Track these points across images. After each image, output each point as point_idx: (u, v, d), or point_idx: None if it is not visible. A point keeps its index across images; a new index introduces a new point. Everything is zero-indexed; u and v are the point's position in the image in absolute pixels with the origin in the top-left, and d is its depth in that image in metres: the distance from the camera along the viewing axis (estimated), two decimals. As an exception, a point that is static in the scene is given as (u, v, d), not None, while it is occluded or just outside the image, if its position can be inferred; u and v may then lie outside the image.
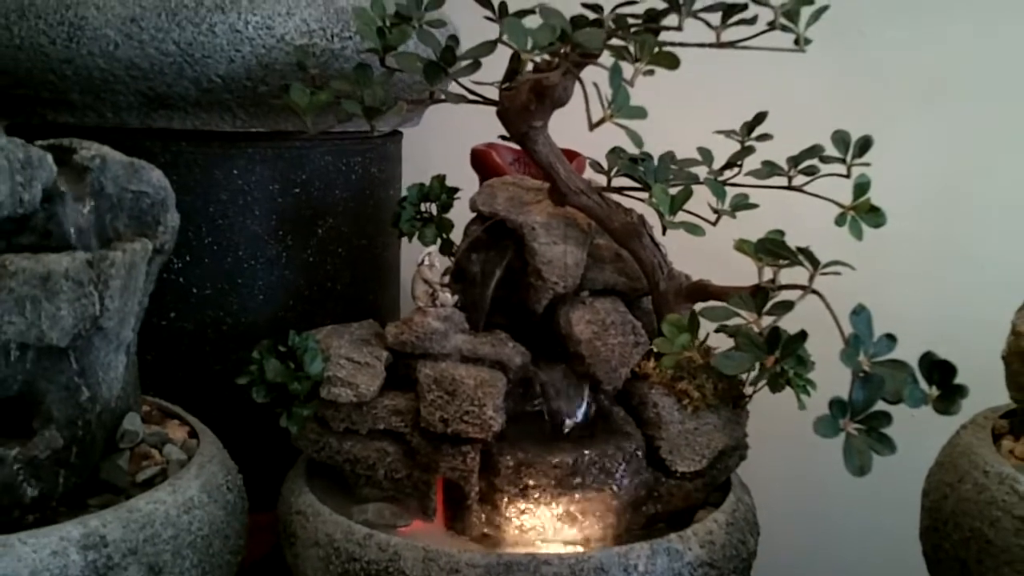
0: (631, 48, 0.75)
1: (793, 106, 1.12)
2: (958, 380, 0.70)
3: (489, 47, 0.83)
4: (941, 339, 0.89)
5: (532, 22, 0.78)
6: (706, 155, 0.93)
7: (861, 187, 0.84)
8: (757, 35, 0.81)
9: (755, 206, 0.88)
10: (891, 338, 0.71)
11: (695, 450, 0.86)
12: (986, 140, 1.30)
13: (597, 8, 0.82)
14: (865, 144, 0.88)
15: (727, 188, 0.90)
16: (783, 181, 0.90)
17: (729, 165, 0.92)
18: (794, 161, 0.90)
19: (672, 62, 0.74)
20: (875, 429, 0.68)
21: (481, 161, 1.05)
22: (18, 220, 0.83)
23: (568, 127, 0.86)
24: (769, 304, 0.75)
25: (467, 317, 0.91)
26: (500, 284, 0.93)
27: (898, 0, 1.32)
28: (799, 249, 0.77)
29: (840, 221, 0.84)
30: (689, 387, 0.87)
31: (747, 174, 0.91)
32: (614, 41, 0.75)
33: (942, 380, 0.69)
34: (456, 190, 1.00)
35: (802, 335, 0.71)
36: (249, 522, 0.91)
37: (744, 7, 0.81)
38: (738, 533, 0.85)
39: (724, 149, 0.94)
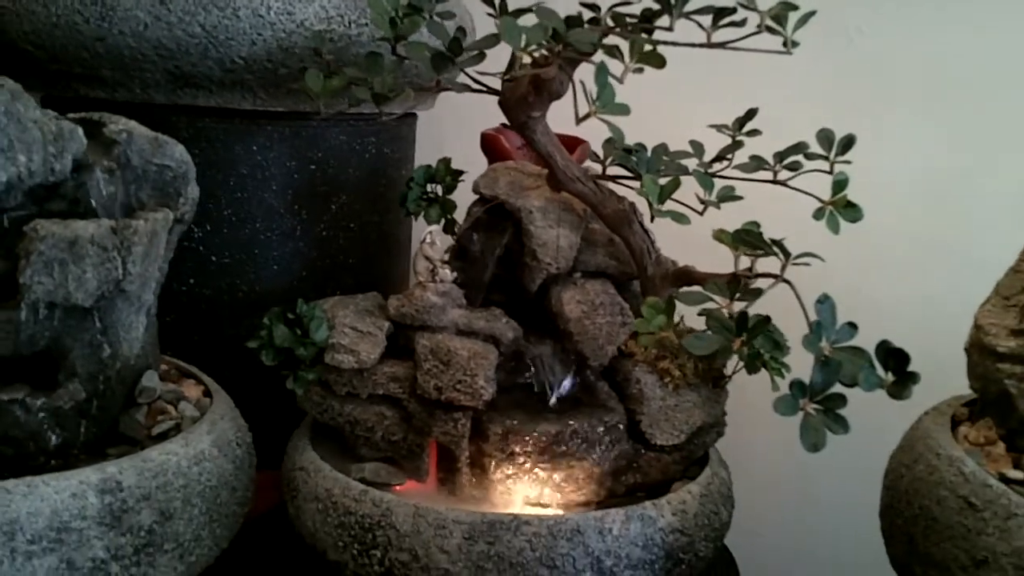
0: (621, 48, 0.80)
1: (796, 101, 1.17)
2: (930, 368, 0.76)
3: (492, 40, 0.88)
4: (925, 329, 0.95)
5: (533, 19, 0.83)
6: (697, 148, 0.98)
7: (839, 184, 0.89)
8: (747, 36, 0.86)
9: (740, 198, 0.93)
10: (852, 326, 0.76)
11: (674, 425, 0.92)
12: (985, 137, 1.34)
13: (594, 7, 0.87)
14: (848, 142, 0.93)
15: (717, 180, 0.95)
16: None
17: (719, 158, 0.97)
18: (780, 156, 0.95)
19: (659, 61, 0.79)
20: (831, 410, 0.73)
21: (490, 145, 1.10)
22: (49, 187, 0.90)
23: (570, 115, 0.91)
24: (742, 290, 0.80)
25: (467, 293, 0.96)
26: (499, 263, 0.98)
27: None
28: (773, 241, 0.82)
29: (818, 216, 0.90)
30: (671, 366, 0.92)
31: (735, 167, 0.96)
32: (607, 40, 0.79)
33: (897, 367, 0.74)
34: (461, 172, 1.05)
35: (766, 319, 0.76)
36: (257, 478, 0.97)
37: (733, 11, 0.86)
38: (711, 504, 0.91)
39: (720, 143, 1.00)
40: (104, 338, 0.89)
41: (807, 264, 0.81)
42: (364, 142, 1.17)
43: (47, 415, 0.86)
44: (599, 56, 0.82)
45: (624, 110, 0.78)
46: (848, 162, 0.93)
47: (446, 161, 1.04)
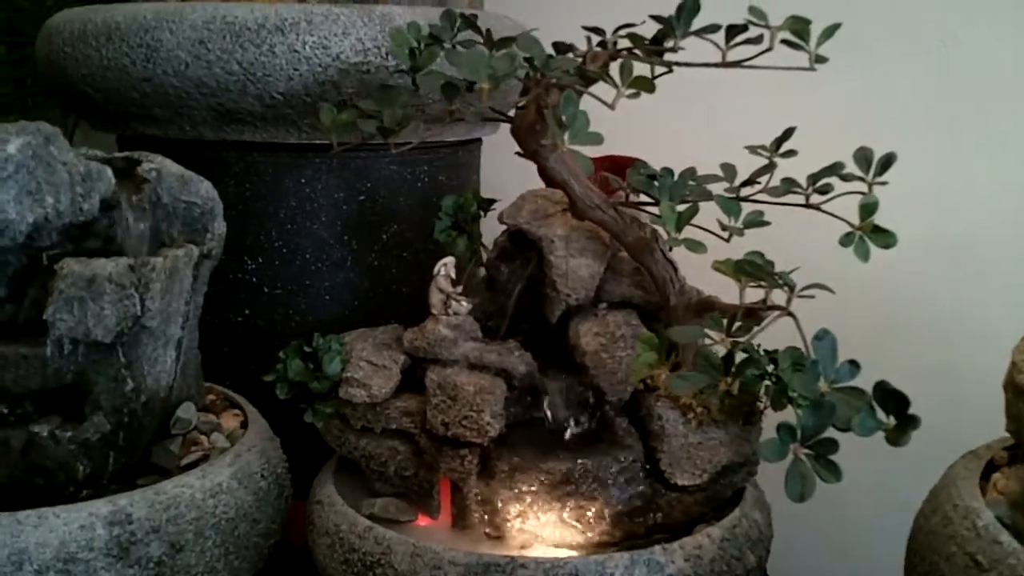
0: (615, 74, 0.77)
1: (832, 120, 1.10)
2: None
3: (508, 66, 0.87)
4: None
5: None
6: (728, 171, 0.93)
7: (867, 208, 0.83)
8: (761, 53, 0.82)
9: (767, 223, 0.88)
10: (854, 364, 0.71)
11: (696, 464, 0.87)
12: None
13: (599, 31, 0.84)
14: (887, 162, 0.87)
15: (747, 204, 0.90)
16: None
17: (749, 182, 0.92)
18: (813, 179, 0.89)
19: (648, 86, 0.76)
20: (823, 455, 0.68)
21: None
22: (82, 226, 0.93)
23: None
24: (737, 325, 0.75)
25: (491, 323, 0.95)
26: (525, 293, 0.96)
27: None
28: (777, 272, 0.77)
29: (845, 242, 0.84)
30: (694, 401, 0.88)
31: (763, 191, 0.91)
32: (592, 66, 0.76)
33: (896, 410, 0.68)
34: (493, 202, 1.04)
35: (749, 360, 0.72)
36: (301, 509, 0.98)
37: (744, 28, 0.82)
38: (733, 550, 0.86)
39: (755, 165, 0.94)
40: (128, 372, 0.91)
41: (812, 296, 0.76)
42: (416, 171, 1.17)
43: (76, 446, 0.89)
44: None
45: (597, 139, 0.74)
46: (885, 183, 0.86)
47: (475, 192, 1.02)
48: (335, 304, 1.16)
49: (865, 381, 0.72)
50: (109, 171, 0.93)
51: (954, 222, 1.26)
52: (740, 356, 0.75)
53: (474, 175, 1.29)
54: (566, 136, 0.73)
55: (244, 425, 1.02)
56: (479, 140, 1.29)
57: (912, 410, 0.69)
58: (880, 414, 0.69)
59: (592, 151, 1.05)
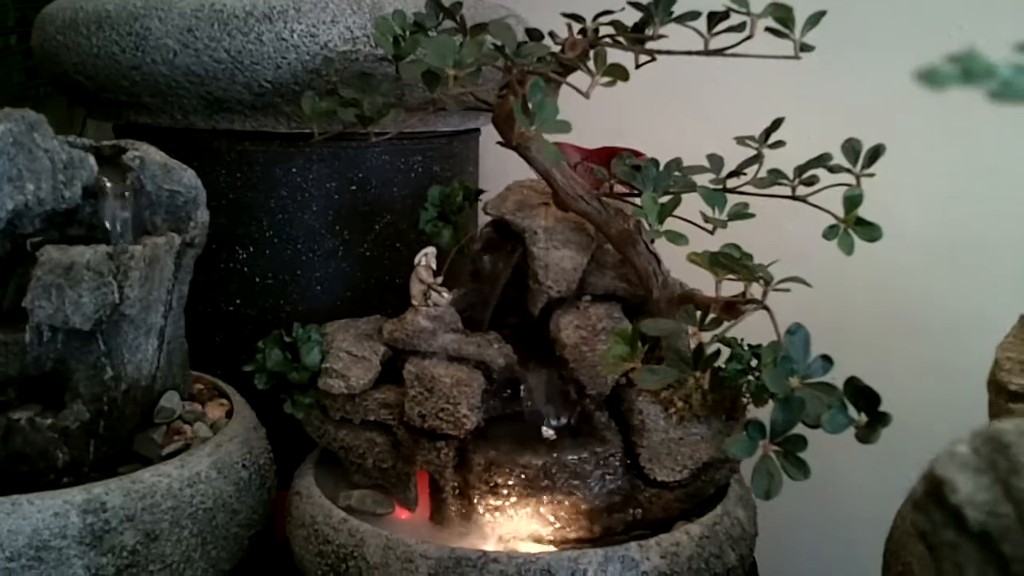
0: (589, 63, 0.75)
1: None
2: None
3: (493, 56, 0.85)
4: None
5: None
6: (715, 162, 0.91)
7: (852, 200, 0.81)
8: (743, 40, 0.80)
9: (752, 216, 0.86)
10: (827, 359, 0.69)
11: (676, 460, 0.86)
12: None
13: (578, 18, 0.83)
14: (875, 154, 0.85)
15: (733, 196, 0.88)
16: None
17: (735, 173, 0.90)
18: (800, 170, 0.87)
19: (623, 74, 0.74)
20: (791, 453, 0.66)
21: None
22: (65, 213, 0.93)
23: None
24: (711, 318, 0.74)
25: (473, 314, 0.94)
26: (512, 284, 0.95)
27: None
28: (754, 265, 0.75)
29: (830, 234, 0.82)
30: (674, 396, 0.86)
31: (749, 183, 0.89)
32: (570, 54, 0.75)
33: (867, 407, 0.66)
34: (480, 192, 1.02)
35: (716, 353, 0.70)
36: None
37: (726, 15, 0.80)
38: (713, 547, 0.84)
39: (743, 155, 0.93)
40: (107, 360, 0.91)
41: (787, 291, 0.74)
42: (409, 161, 1.16)
43: (55, 434, 0.89)
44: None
45: (565, 127, 0.73)
46: (872, 175, 0.84)
47: (462, 182, 1.01)
48: (327, 294, 1.15)
49: (869, 379, 0.70)
50: (92, 159, 0.93)
51: (958, 216, 1.23)
52: (715, 349, 0.73)
53: (470, 166, 1.28)
54: (533, 125, 0.71)
55: (230, 415, 1.02)
56: (477, 131, 1.28)
57: (913, 407, 0.68)
58: (852, 411, 0.67)
59: (590, 142, 1.04)
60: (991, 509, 0.30)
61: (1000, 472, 0.31)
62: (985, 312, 0.86)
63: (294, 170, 1.11)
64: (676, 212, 0.84)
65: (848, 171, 0.85)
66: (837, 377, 0.71)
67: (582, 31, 0.84)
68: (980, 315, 1.02)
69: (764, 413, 0.80)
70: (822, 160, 0.86)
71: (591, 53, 0.75)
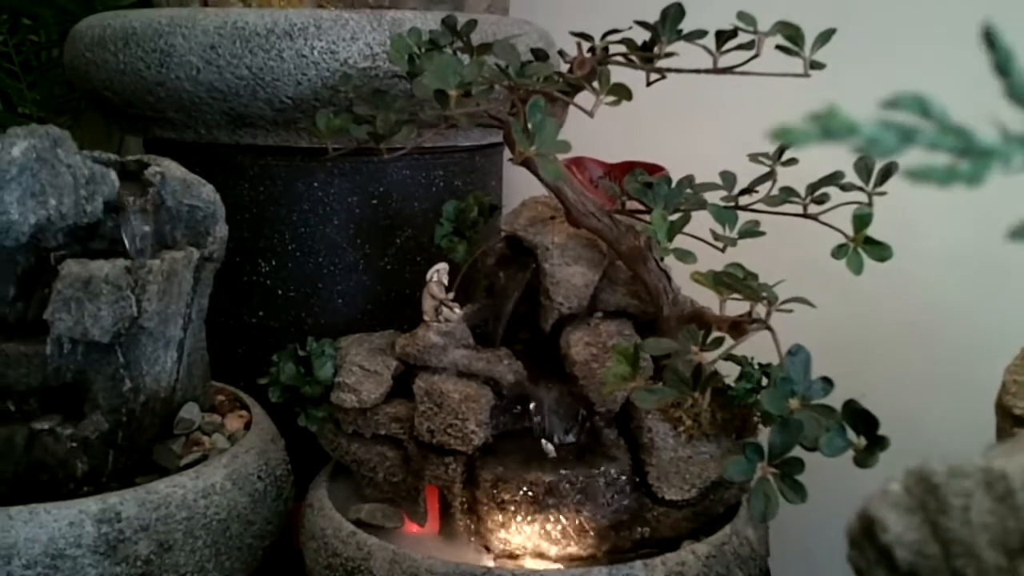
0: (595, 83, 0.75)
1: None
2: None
3: (496, 76, 0.86)
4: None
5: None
6: (728, 179, 0.91)
7: (861, 219, 0.80)
8: (752, 59, 0.80)
9: (762, 234, 0.86)
10: (827, 381, 0.69)
11: (685, 479, 0.86)
12: None
13: (587, 37, 0.83)
14: (887, 172, 0.84)
15: (745, 213, 0.88)
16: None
17: (747, 191, 0.90)
18: (812, 188, 0.87)
19: (626, 94, 0.75)
20: (789, 475, 0.66)
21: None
22: (88, 228, 0.95)
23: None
24: (713, 338, 0.74)
25: (486, 329, 0.94)
26: (525, 300, 0.95)
27: None
28: (758, 284, 0.75)
29: (839, 254, 0.81)
30: (684, 414, 0.86)
31: (761, 200, 0.88)
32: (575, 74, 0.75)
33: (866, 430, 0.66)
34: (496, 207, 1.03)
35: (714, 374, 0.70)
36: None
37: (734, 34, 0.80)
38: (720, 567, 0.84)
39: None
40: (126, 372, 0.93)
41: (790, 311, 0.74)
42: (430, 175, 1.17)
43: (75, 444, 0.91)
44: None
45: (565, 148, 0.73)
46: (884, 193, 0.84)
47: (477, 196, 1.02)
48: (348, 307, 1.16)
49: (882, 393, 0.70)
50: (113, 174, 0.95)
51: (980, 230, 1.21)
52: (713, 369, 0.73)
53: (493, 180, 1.28)
54: (532, 146, 0.71)
55: (249, 426, 1.03)
56: (500, 145, 1.28)
57: (932, 422, 0.67)
58: (850, 434, 0.67)
59: (614, 158, 1.04)
60: (919, 549, 0.30)
61: (929, 512, 0.30)
62: (1004, 328, 0.85)
63: (316, 184, 1.13)
64: (689, 229, 0.84)
65: (860, 189, 0.85)
66: (853, 392, 0.71)
67: (591, 49, 0.84)
68: (999, 331, 1.00)
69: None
70: (834, 178, 0.86)
71: (598, 72, 0.76)
